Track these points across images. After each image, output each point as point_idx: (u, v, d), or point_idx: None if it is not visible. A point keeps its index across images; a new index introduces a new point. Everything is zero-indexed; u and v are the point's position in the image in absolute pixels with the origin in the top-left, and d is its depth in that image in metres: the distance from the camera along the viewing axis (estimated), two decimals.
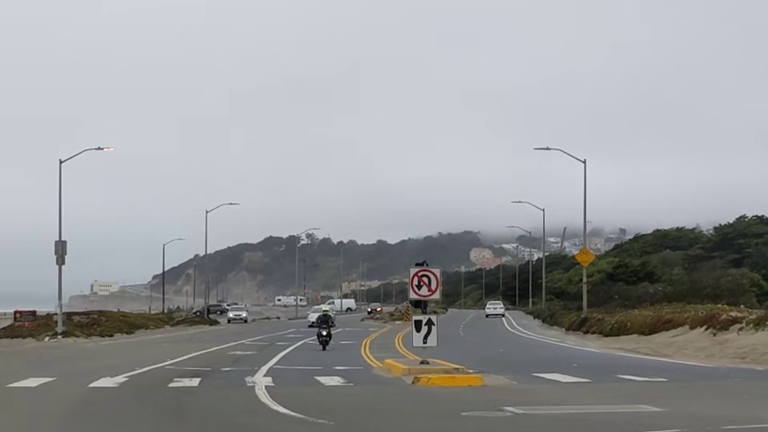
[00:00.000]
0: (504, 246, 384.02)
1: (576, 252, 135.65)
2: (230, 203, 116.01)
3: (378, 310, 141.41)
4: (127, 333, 76.71)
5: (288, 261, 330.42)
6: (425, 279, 32.93)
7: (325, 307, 58.14)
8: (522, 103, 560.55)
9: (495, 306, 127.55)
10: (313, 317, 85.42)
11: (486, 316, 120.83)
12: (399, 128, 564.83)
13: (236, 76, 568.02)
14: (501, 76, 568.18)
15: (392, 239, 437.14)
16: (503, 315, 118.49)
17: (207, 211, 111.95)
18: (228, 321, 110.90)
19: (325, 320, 51.26)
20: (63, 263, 67.95)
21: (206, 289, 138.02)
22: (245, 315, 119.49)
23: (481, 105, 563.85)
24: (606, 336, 62.25)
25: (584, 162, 75.38)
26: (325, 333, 50.22)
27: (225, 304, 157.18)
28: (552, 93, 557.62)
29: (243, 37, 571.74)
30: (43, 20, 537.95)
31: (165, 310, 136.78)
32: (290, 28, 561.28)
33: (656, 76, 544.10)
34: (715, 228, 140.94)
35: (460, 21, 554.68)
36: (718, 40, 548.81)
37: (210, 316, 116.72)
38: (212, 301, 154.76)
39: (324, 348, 48.91)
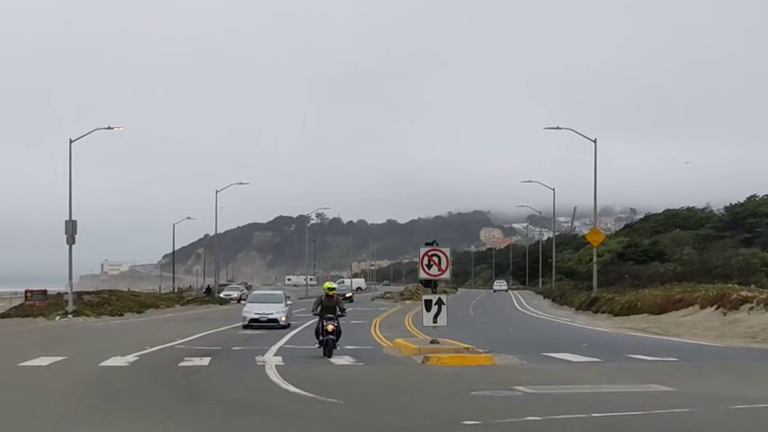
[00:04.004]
0: (514, 225, 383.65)
1: (586, 232, 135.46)
2: (240, 183, 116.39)
3: (348, 296, 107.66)
4: (137, 312, 76.87)
5: (298, 241, 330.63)
6: (435, 258, 32.92)
7: (330, 284, 33.31)
8: (534, 85, 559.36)
9: (500, 284, 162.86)
10: (252, 310, 52.92)
11: (494, 291, 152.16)
12: (408, 111, 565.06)
13: (245, 65, 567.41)
14: (514, 60, 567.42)
15: (402, 219, 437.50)
16: (506, 290, 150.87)
17: (217, 191, 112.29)
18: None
19: (329, 308, 31.91)
20: (73, 242, 68.04)
21: (216, 268, 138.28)
22: (236, 295, 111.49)
23: (493, 88, 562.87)
24: (616, 315, 62.27)
25: (595, 141, 75.31)
26: (331, 329, 31.47)
27: (234, 283, 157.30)
28: (564, 77, 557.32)
29: (253, 30, 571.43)
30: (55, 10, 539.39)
31: (176, 290, 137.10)
32: (291, 22, 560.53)
33: (667, 61, 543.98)
34: (726, 207, 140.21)
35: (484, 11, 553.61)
36: (727, 31, 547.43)
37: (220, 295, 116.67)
38: (222, 281, 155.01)
39: (328, 355, 31.19)
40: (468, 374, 25.65)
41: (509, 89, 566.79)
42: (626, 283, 77.65)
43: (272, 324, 51.17)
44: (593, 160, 76.17)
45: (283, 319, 51.91)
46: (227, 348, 36.65)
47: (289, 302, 55.65)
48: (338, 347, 32.12)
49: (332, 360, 30.16)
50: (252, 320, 52.07)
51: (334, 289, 32.89)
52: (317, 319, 32.58)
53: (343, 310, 32.51)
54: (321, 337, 31.72)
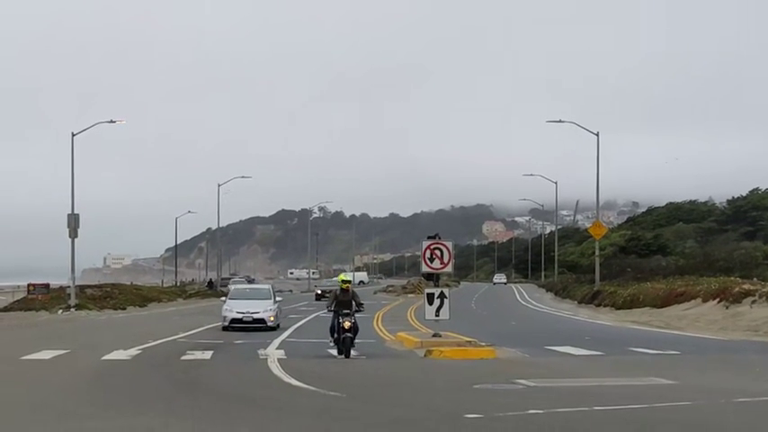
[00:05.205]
0: (516, 219, 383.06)
1: (588, 225, 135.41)
2: (242, 177, 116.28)
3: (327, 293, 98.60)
4: (140, 306, 76.83)
5: (300, 234, 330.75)
6: (438, 252, 32.91)
7: (344, 277, 31.06)
8: (536, 78, 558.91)
9: (500, 277, 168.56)
10: (233, 309, 44.43)
11: (494, 284, 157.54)
12: (412, 105, 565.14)
13: (243, 65, 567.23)
14: (517, 55, 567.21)
15: (405, 213, 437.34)
16: (505, 283, 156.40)
17: (219, 185, 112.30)
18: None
19: (345, 303, 28.99)
20: (76, 236, 68.03)
21: (218, 262, 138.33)
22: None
23: (495, 83, 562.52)
24: (619, 309, 62.27)
25: (597, 135, 75.22)
26: (348, 326, 28.54)
27: (237, 276, 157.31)
28: (566, 73, 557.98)
29: (273, 29, 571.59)
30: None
31: (178, 284, 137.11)
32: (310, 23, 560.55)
33: (667, 57, 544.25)
34: (728, 200, 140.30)
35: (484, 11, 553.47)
36: (732, 29, 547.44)
37: (224, 288, 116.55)
38: (224, 274, 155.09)
39: (346, 354, 28.63)
40: (470, 368, 25.66)
41: (511, 84, 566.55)
42: (628, 276, 77.65)
43: (257, 326, 43.48)
44: (595, 154, 76.29)
45: (272, 319, 44.07)
46: (229, 342, 36.66)
47: (278, 299, 47.81)
48: (356, 345, 29.38)
49: (334, 354, 29.82)
50: (234, 321, 43.81)
51: (349, 282, 29.85)
52: (329, 315, 29.99)
53: (360, 304, 29.38)
54: (336, 336, 28.92)
